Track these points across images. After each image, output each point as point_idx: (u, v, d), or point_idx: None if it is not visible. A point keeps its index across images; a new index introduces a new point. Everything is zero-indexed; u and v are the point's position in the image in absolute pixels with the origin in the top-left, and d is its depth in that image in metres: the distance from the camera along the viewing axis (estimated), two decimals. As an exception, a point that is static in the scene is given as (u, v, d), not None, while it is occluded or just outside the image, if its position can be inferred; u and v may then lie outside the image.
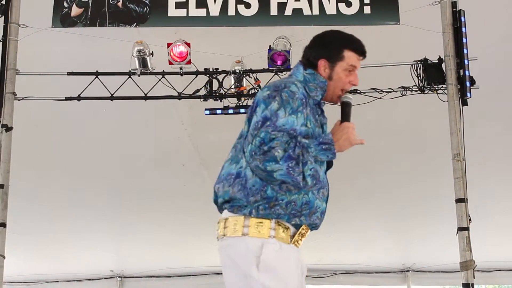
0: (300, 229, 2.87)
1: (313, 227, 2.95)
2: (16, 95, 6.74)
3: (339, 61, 2.99)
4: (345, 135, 2.85)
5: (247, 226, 2.79)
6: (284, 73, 6.94)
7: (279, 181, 2.76)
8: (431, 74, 6.89)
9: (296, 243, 2.87)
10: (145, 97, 7.08)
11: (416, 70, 6.93)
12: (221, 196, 2.90)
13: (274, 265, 2.77)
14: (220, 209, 2.95)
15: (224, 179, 2.90)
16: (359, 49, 3.03)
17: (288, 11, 6.80)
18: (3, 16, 6.80)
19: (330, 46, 3.02)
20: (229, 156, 2.97)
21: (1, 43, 6.76)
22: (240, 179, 2.83)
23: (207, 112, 7.19)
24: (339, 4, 6.75)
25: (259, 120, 2.79)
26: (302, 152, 2.74)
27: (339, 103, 3.04)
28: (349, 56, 3.00)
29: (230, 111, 7.14)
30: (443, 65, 6.79)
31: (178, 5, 6.85)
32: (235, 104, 7.15)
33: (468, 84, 6.55)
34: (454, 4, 6.74)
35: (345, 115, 2.96)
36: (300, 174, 2.72)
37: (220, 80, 7.12)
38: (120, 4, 6.89)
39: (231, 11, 6.79)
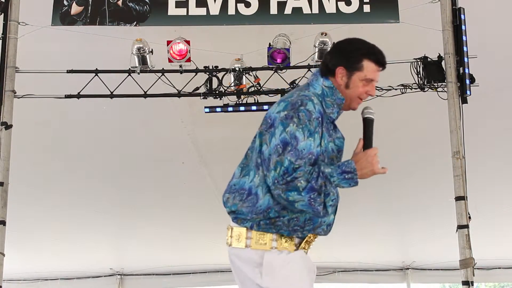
0: (306, 237, 2.91)
1: (317, 233, 2.96)
2: (15, 92, 6.74)
3: (357, 71, 2.94)
4: (370, 166, 2.79)
5: (249, 238, 2.85)
6: (284, 71, 6.94)
7: (299, 209, 2.77)
8: (430, 72, 6.88)
9: (303, 249, 2.92)
10: (145, 95, 7.08)
11: (415, 68, 6.93)
12: (228, 207, 2.93)
13: (277, 273, 2.81)
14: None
15: (236, 191, 2.91)
16: (380, 61, 2.97)
17: (288, 10, 6.80)
18: (2, 13, 6.80)
19: (350, 55, 2.96)
20: (241, 163, 2.98)
21: (1, 40, 6.76)
22: (252, 197, 2.85)
23: (207, 110, 7.19)
24: (338, 2, 6.75)
25: (278, 144, 2.77)
26: (325, 183, 2.72)
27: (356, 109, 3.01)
28: (368, 66, 2.94)
29: (230, 109, 7.13)
30: (442, 63, 6.78)
31: (178, 4, 6.85)
32: (235, 102, 7.15)
33: (468, 82, 6.54)
34: (454, 2, 6.73)
35: (368, 137, 2.88)
36: (321, 204, 2.72)
37: (220, 78, 7.11)
38: (120, 2, 6.89)
39: (231, 10, 6.79)
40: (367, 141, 2.87)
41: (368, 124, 2.91)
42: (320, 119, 2.83)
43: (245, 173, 2.92)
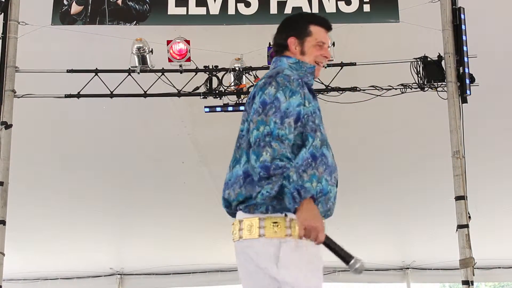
0: None
1: (328, 214, 2.92)
2: (15, 92, 6.74)
3: (307, 37, 3.02)
4: (315, 224, 2.64)
5: (262, 227, 2.76)
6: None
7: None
8: (430, 72, 6.89)
9: None
10: (145, 95, 7.09)
11: (415, 68, 6.93)
12: (234, 199, 2.85)
13: (292, 262, 2.74)
14: (234, 212, 2.91)
15: (233, 183, 2.85)
16: (325, 23, 3.08)
17: (287, 10, 6.80)
18: (2, 13, 6.80)
19: (297, 24, 3.07)
20: (230, 163, 2.94)
21: (1, 40, 6.76)
22: (251, 178, 2.77)
23: (207, 109, 7.19)
24: (338, 2, 6.76)
25: (259, 106, 2.76)
26: (279, 177, 2.63)
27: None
28: (316, 30, 3.04)
29: (230, 108, 7.14)
30: (442, 62, 6.79)
31: (178, 3, 6.85)
32: (235, 102, 7.15)
33: (467, 81, 6.55)
34: (454, 2, 6.74)
35: (334, 250, 2.76)
36: (267, 185, 2.66)
37: (220, 78, 7.12)
38: (120, 2, 6.89)
39: (231, 10, 6.80)
40: (332, 247, 2.77)
41: (350, 265, 2.82)
42: (300, 81, 2.87)
43: (234, 164, 2.89)
